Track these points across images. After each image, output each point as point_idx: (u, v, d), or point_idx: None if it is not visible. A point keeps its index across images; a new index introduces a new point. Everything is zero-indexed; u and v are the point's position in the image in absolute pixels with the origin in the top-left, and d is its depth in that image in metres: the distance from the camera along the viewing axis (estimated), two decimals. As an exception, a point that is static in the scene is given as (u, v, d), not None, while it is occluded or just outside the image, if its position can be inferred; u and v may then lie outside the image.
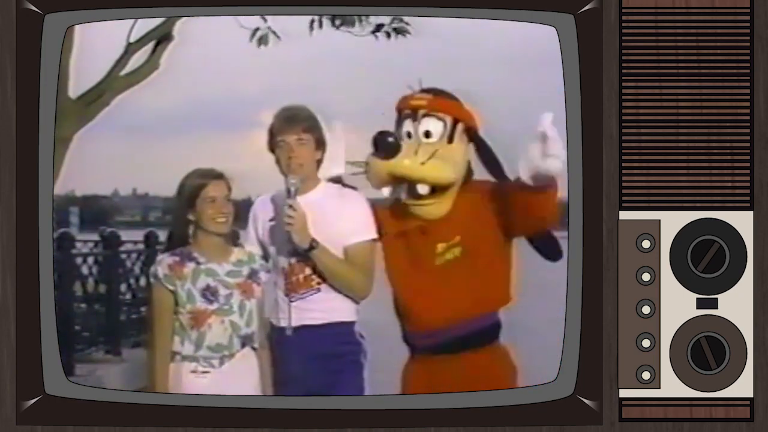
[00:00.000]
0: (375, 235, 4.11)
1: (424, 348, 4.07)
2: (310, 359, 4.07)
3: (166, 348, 4.00)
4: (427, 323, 4.05)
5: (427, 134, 4.06)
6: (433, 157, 4.03)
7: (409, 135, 4.06)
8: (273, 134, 4.11)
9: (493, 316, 4.09)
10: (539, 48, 3.68)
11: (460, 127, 4.07)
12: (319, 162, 4.15)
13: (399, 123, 4.10)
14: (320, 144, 4.12)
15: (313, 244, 4.02)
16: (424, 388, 3.94)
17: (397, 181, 4.06)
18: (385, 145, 4.02)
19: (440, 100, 4.08)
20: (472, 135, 4.09)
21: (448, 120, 4.06)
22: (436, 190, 4.04)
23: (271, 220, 4.16)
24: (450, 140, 4.06)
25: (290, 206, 4.00)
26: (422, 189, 4.04)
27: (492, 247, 4.06)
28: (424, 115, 4.06)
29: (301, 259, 4.09)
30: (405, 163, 4.02)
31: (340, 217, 4.10)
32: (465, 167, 4.11)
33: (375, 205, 4.19)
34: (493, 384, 3.88)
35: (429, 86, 4.11)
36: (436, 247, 4.04)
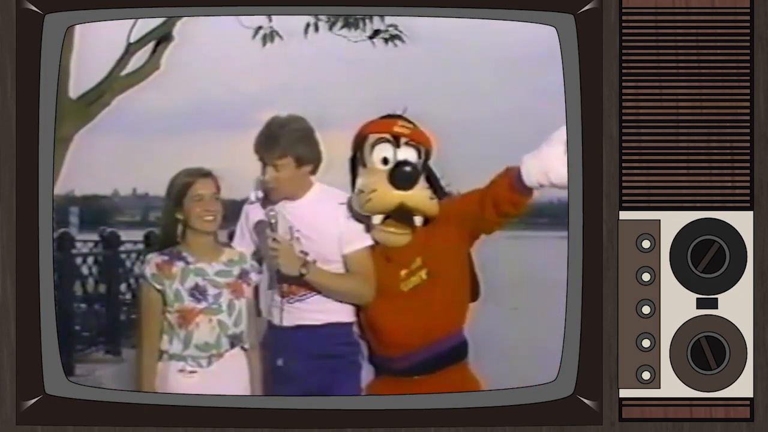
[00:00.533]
0: (371, 241, 4.07)
1: (399, 370, 4.06)
2: (307, 359, 4.06)
3: (153, 348, 3.98)
4: (403, 346, 4.03)
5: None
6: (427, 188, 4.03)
7: (385, 161, 4.01)
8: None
9: (462, 334, 4.10)
10: (539, 48, 3.67)
11: (427, 157, 4.06)
12: (311, 171, 4.06)
13: (371, 147, 4.02)
14: (303, 160, 4.02)
15: (303, 271, 3.98)
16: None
17: (403, 211, 3.98)
18: (405, 176, 3.94)
19: (419, 130, 4.05)
20: (426, 164, 4.08)
21: (422, 150, 4.04)
22: (428, 221, 4.03)
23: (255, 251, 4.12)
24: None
25: (273, 239, 3.97)
26: (419, 220, 4.02)
27: (456, 262, 4.06)
28: (405, 143, 4.02)
29: None
30: (419, 195, 3.97)
31: (336, 224, 4.06)
32: None
33: None
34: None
35: (411, 107, 4.08)
36: (399, 274, 4.03)
